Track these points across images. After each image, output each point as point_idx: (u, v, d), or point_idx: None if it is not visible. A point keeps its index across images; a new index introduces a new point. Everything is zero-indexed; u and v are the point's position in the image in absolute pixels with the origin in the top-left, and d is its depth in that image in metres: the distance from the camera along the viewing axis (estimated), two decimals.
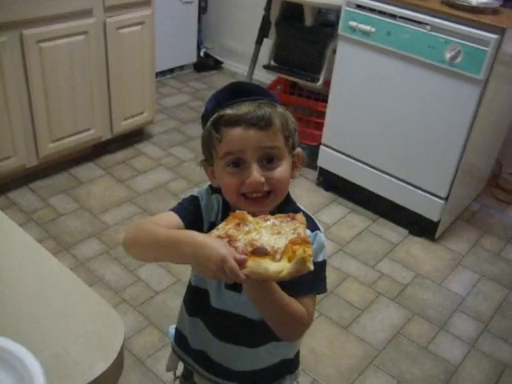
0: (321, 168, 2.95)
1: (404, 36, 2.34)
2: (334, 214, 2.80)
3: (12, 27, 2.36)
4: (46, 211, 2.61)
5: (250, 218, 0.89)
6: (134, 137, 3.24)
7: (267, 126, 0.94)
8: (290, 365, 1.19)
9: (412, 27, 2.31)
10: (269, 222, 0.88)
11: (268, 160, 0.96)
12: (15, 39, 2.39)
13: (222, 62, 4.34)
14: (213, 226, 1.01)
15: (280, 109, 0.99)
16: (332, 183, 2.95)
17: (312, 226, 1.02)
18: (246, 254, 0.82)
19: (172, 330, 1.24)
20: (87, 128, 2.85)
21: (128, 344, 1.98)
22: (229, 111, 0.95)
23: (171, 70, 4.17)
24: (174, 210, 1.02)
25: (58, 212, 2.61)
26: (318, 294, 1.03)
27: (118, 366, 0.84)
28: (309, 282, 0.97)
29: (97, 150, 3.06)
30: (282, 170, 0.97)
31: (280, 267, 0.81)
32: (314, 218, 1.05)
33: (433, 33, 2.26)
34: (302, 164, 1.06)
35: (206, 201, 1.05)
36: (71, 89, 2.68)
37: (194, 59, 4.26)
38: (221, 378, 1.14)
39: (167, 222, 0.98)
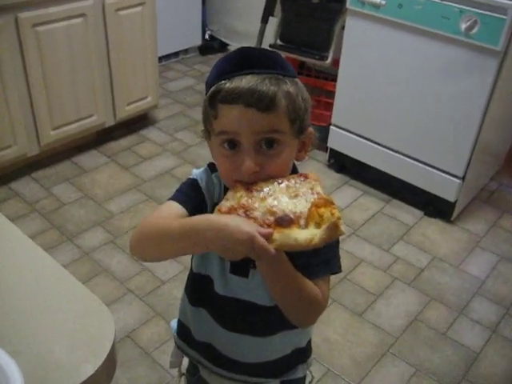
0: (331, 149, 2.84)
1: (416, 7, 2.22)
2: (346, 196, 2.71)
3: (7, 10, 2.27)
4: (49, 201, 2.54)
5: (259, 182, 0.82)
6: (138, 122, 3.16)
7: (268, 108, 0.82)
8: (302, 354, 1.12)
9: None
10: (283, 185, 0.80)
11: (267, 144, 0.85)
12: (10, 23, 2.30)
13: (227, 44, 4.23)
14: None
15: (289, 86, 0.85)
16: (343, 165, 2.85)
17: None
18: (268, 225, 0.75)
19: (174, 323, 1.17)
20: (89, 114, 2.77)
21: (134, 336, 1.91)
22: (228, 85, 0.83)
23: (176, 54, 4.07)
24: (173, 198, 0.94)
25: (62, 201, 2.54)
26: (333, 274, 0.95)
27: (108, 368, 0.76)
28: (323, 262, 0.92)
29: (100, 137, 2.98)
30: (281, 158, 0.86)
31: (310, 234, 0.73)
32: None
33: (446, 2, 2.13)
34: (314, 146, 0.95)
35: (207, 181, 0.96)
36: (71, 74, 2.60)
37: (198, 42, 4.16)
38: (229, 370, 1.07)
39: (169, 214, 0.90)
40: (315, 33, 2.89)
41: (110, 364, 0.76)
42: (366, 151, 2.68)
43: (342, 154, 2.79)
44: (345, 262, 0.97)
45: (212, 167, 0.97)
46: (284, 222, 0.74)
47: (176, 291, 2.08)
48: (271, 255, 0.73)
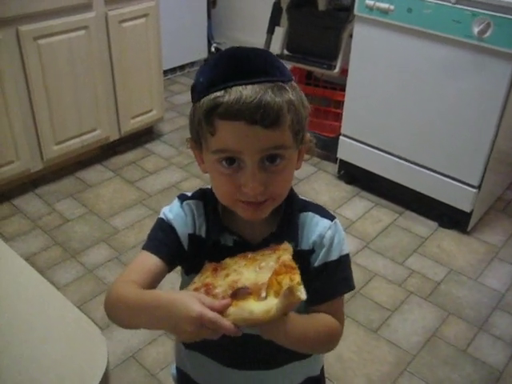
0: (341, 160, 2.77)
1: (426, 11, 2.15)
2: (358, 208, 2.63)
3: (7, 24, 2.23)
4: (53, 217, 2.48)
5: (227, 260, 0.78)
6: (143, 136, 3.11)
7: (274, 124, 0.74)
8: (316, 383, 1.03)
9: (434, 1, 2.12)
10: (249, 260, 0.76)
11: (270, 159, 0.78)
12: (11, 36, 2.26)
13: None
14: (193, 237, 0.88)
15: (290, 94, 0.77)
16: (354, 176, 2.77)
17: (325, 214, 0.90)
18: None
19: (173, 369, 1.09)
20: (93, 128, 2.72)
21: (139, 356, 1.83)
22: (227, 98, 0.74)
23: (181, 67, 4.04)
24: (146, 246, 0.88)
25: (65, 217, 2.48)
26: (350, 291, 0.92)
27: None
28: (343, 279, 0.89)
29: (105, 152, 2.93)
30: (285, 174, 0.80)
31: (267, 306, 0.68)
32: (322, 206, 0.93)
33: (458, 6, 2.07)
34: (313, 153, 0.89)
35: (176, 214, 0.89)
36: (74, 87, 2.55)
37: (204, 55, 4.12)
38: None
39: (143, 267, 0.84)
40: (322, 42, 2.83)
41: None
42: (377, 161, 2.60)
43: (352, 164, 2.71)
44: (357, 276, 0.92)
45: (182, 197, 0.91)
46: (239, 294, 0.70)
47: None
48: (228, 328, 0.66)
